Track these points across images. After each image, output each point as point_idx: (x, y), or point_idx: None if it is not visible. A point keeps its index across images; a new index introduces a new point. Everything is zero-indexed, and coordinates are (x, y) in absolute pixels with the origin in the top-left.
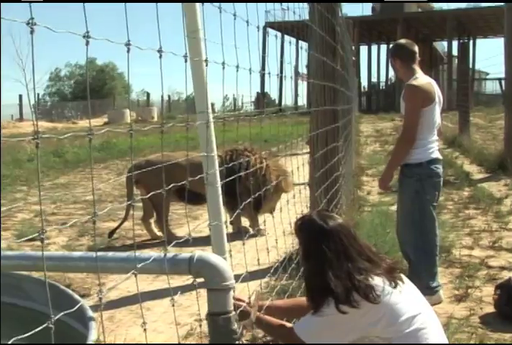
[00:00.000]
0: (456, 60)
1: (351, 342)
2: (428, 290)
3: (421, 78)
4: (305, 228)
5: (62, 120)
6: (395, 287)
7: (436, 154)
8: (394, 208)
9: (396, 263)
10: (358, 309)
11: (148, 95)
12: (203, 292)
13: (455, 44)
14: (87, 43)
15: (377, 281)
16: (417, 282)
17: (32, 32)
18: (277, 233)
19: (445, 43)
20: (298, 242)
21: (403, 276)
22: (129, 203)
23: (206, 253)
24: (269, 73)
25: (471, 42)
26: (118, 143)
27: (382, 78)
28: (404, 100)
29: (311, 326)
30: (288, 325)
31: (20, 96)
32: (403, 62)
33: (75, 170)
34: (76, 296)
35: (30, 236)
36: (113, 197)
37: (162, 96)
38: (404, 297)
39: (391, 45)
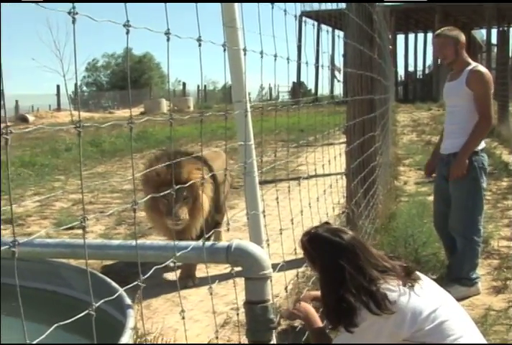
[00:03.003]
0: (496, 48)
1: None
2: (468, 281)
3: (481, 66)
4: (319, 245)
5: (98, 110)
6: (412, 286)
7: (484, 143)
8: (431, 198)
9: (411, 265)
10: (380, 316)
11: (184, 85)
12: (239, 280)
13: (494, 32)
14: (127, 32)
15: (392, 286)
16: (458, 272)
17: (73, 22)
18: (314, 223)
19: (484, 31)
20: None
21: (419, 274)
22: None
23: (244, 241)
24: (306, 63)
25: (511, 29)
26: (155, 132)
27: (419, 67)
28: (471, 86)
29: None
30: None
31: (58, 86)
32: (462, 49)
33: (112, 160)
34: (114, 284)
35: (71, 224)
36: None
37: (201, 85)
38: (423, 294)
39: (443, 32)
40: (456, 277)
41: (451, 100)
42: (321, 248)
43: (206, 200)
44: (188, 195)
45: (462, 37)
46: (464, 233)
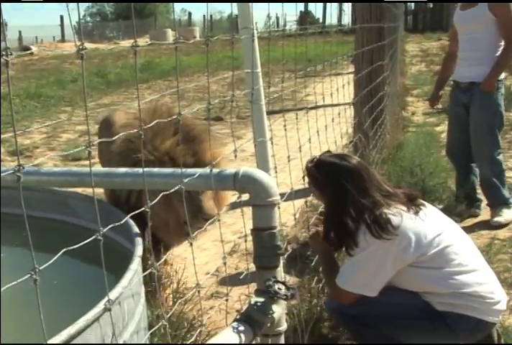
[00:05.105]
0: None
1: (394, 273)
2: (507, 203)
3: None
4: (325, 169)
5: (103, 40)
6: (416, 212)
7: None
8: (439, 128)
9: (413, 192)
10: (385, 240)
11: (190, 14)
12: (247, 210)
13: None
14: None
15: (396, 211)
16: (501, 195)
17: None
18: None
19: None
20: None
21: (422, 201)
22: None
23: (252, 168)
24: None
25: None
26: (160, 63)
27: None
28: (494, 11)
29: (348, 271)
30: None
31: (61, 17)
32: None
33: (118, 91)
34: (122, 213)
35: (77, 149)
36: None
37: (207, 14)
38: (426, 219)
39: None
40: (502, 201)
41: (471, 27)
42: (327, 171)
43: None
44: None
45: None
46: (494, 158)
